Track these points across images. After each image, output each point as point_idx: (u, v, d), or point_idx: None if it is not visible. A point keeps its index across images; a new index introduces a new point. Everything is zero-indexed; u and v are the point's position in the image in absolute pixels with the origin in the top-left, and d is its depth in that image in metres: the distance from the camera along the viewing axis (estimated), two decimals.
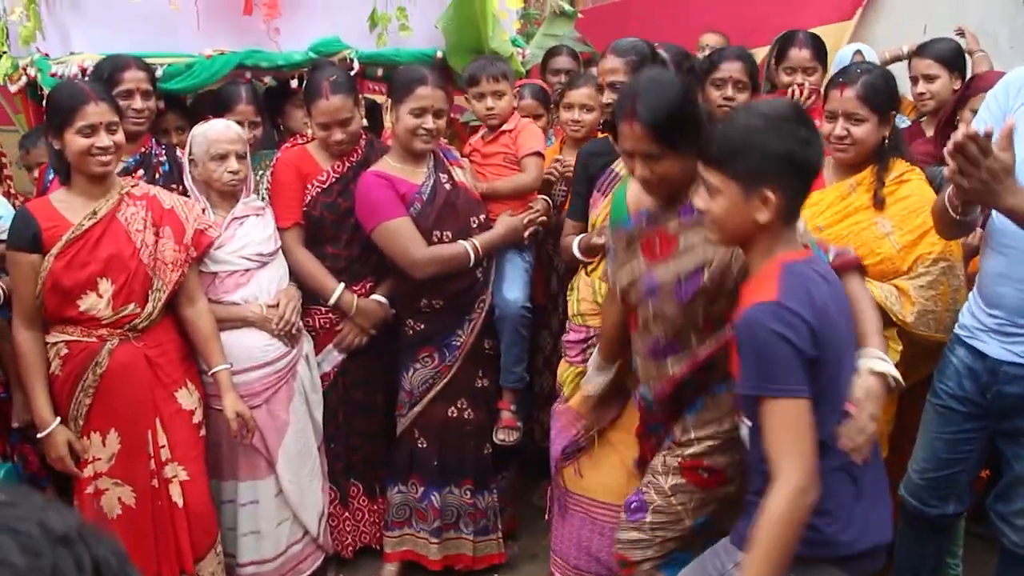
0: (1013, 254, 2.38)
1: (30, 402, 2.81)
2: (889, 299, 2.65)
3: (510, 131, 3.46)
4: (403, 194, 3.19)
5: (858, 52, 3.99)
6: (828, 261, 2.12)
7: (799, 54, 3.80)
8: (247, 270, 3.12)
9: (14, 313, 2.80)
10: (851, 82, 2.73)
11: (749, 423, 1.99)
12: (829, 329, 1.88)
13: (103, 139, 2.72)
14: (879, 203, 2.72)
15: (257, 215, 3.18)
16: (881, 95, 2.73)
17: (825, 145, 2.74)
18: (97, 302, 2.77)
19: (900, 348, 2.67)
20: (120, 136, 2.79)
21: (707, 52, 4.70)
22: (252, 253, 3.12)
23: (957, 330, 2.60)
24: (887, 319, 2.57)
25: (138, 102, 3.13)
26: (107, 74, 3.10)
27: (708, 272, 2.19)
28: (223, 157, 3.04)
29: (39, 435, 2.81)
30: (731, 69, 3.46)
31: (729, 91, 3.44)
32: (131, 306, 2.81)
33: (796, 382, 1.83)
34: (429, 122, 3.15)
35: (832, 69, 4.09)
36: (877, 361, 2.01)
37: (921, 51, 3.75)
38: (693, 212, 2.16)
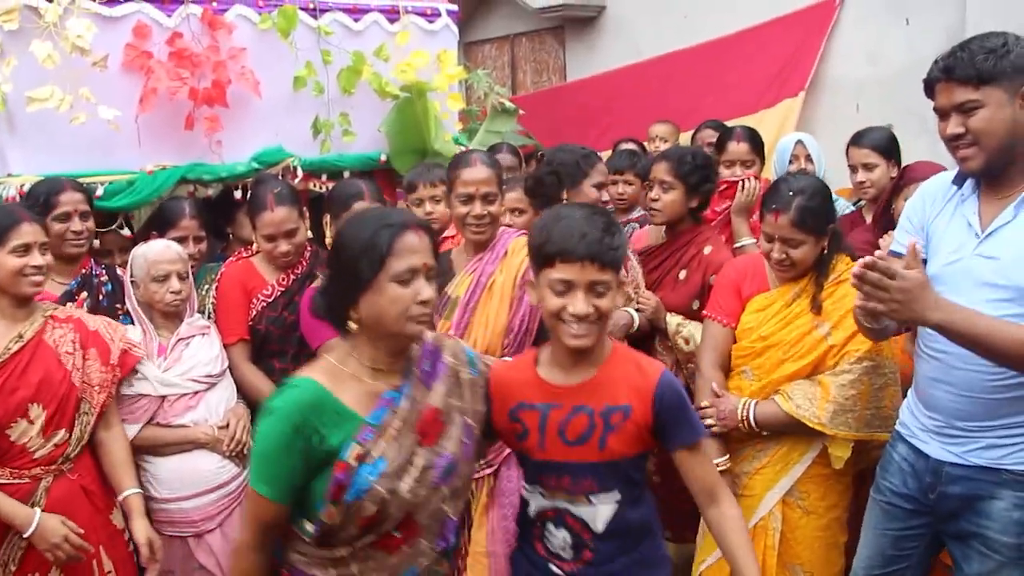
0: (945, 358, 2.34)
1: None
2: (802, 407, 2.71)
3: (451, 237, 3.46)
4: None
5: (799, 143, 4.08)
6: None
7: (737, 147, 3.91)
8: (196, 392, 3.06)
9: None
10: (784, 208, 2.72)
11: (619, 495, 2.01)
12: None
13: (37, 258, 2.69)
14: (816, 308, 2.78)
15: (202, 334, 3.13)
16: (816, 217, 2.73)
17: (767, 262, 2.88)
18: (28, 429, 2.66)
19: (850, 444, 2.73)
20: (49, 257, 2.75)
21: (657, 142, 4.82)
22: (200, 375, 3.06)
23: (898, 427, 2.58)
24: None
25: (76, 224, 3.11)
26: (43, 197, 3.08)
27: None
28: (164, 278, 3.00)
29: (25, 534, 2.64)
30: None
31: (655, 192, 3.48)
32: (61, 432, 2.72)
33: None
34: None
35: (773, 160, 4.21)
36: None
37: (858, 140, 3.85)
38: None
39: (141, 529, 2.80)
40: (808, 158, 4.05)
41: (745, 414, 2.79)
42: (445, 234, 3.47)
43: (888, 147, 3.77)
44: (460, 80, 4.28)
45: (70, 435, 2.75)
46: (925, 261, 2.36)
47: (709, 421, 2.85)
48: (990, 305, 2.18)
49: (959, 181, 2.36)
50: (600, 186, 3.31)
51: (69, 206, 3.11)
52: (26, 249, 2.67)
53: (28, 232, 2.69)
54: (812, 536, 2.81)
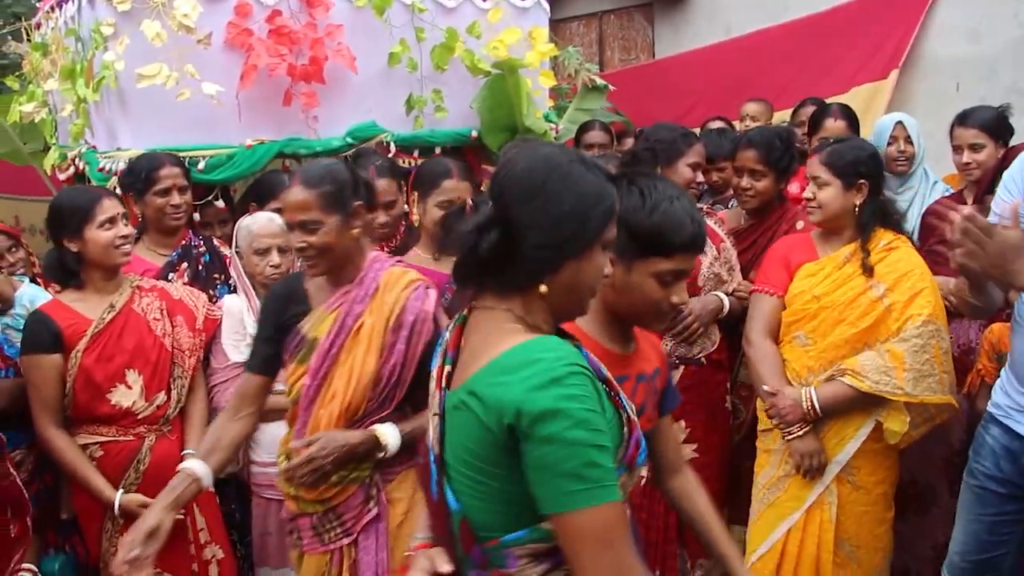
0: None
1: (87, 487, 2.82)
2: (880, 382, 2.68)
3: None
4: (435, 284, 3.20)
5: (899, 124, 3.98)
6: None
7: (835, 124, 3.86)
8: None
9: (37, 416, 2.78)
10: (817, 151, 2.92)
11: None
12: None
13: (122, 229, 2.82)
14: (868, 269, 2.80)
15: None
16: (843, 160, 2.84)
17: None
18: (127, 394, 2.80)
19: (907, 417, 2.72)
20: (131, 228, 2.88)
21: (748, 121, 4.75)
22: None
23: (991, 408, 2.53)
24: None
25: (175, 198, 3.22)
26: (144, 173, 3.20)
27: None
28: (265, 251, 3.09)
29: (115, 510, 2.77)
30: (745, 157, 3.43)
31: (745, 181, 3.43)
32: (161, 395, 2.86)
33: None
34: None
35: (871, 139, 4.12)
36: None
37: (965, 119, 3.73)
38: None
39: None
40: (908, 139, 3.94)
41: (810, 404, 2.75)
42: None
43: (997, 127, 3.63)
44: (550, 57, 4.28)
45: (168, 397, 2.88)
46: None
47: (773, 422, 2.84)
48: None
49: None
50: (695, 167, 3.27)
51: (169, 180, 3.22)
52: (112, 222, 2.79)
53: (110, 206, 2.81)
54: (861, 511, 2.82)
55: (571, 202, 1.42)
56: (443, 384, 1.49)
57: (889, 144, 3.96)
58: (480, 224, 1.43)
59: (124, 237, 2.82)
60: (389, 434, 2.38)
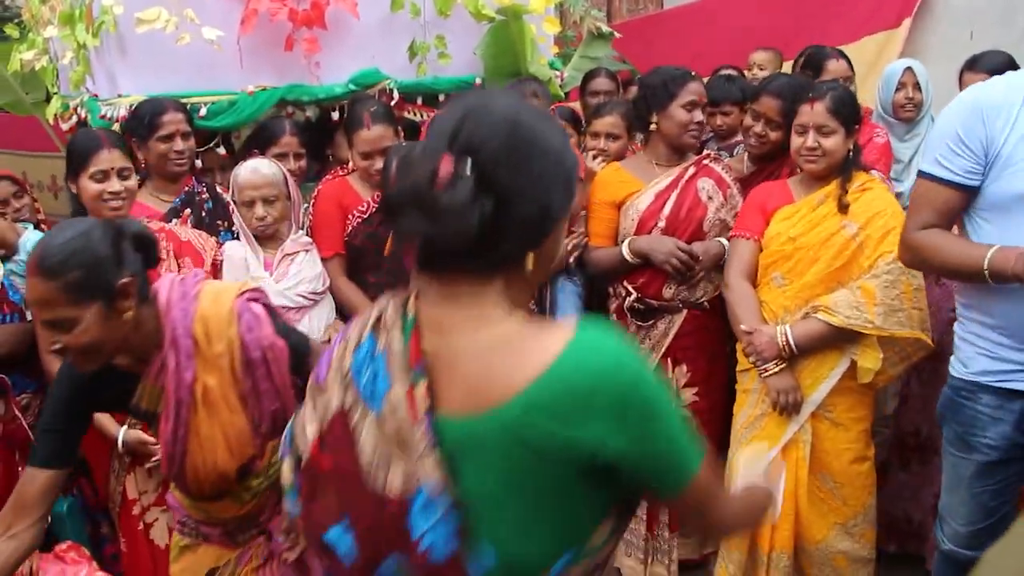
0: None
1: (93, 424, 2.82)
2: (852, 317, 2.74)
3: None
4: None
5: (908, 70, 3.92)
6: None
7: (837, 65, 3.86)
8: (300, 308, 3.16)
9: (44, 357, 2.80)
10: (820, 96, 2.87)
11: None
12: None
13: (114, 184, 2.80)
14: (843, 208, 2.86)
15: (306, 251, 3.22)
16: (848, 108, 2.87)
17: (796, 159, 2.95)
18: None
19: (880, 354, 2.78)
20: (132, 182, 2.86)
21: (755, 70, 4.70)
22: (306, 291, 3.15)
23: (977, 378, 2.44)
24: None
25: (179, 143, 3.20)
26: (147, 118, 3.18)
27: None
28: (250, 203, 3.08)
29: (119, 447, 2.82)
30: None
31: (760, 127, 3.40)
32: None
33: None
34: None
35: (879, 86, 4.06)
36: None
37: (973, 65, 3.67)
38: None
39: None
40: (916, 86, 3.89)
41: (784, 340, 2.81)
42: None
43: (1004, 72, 3.57)
44: (555, 4, 4.23)
45: None
46: (978, 188, 2.30)
47: (751, 360, 2.89)
48: None
49: None
50: (691, 106, 3.22)
51: (172, 126, 3.18)
52: (104, 175, 2.79)
53: (106, 159, 2.80)
54: (841, 448, 2.89)
55: (555, 158, 1.23)
56: (427, 410, 1.19)
57: (897, 90, 3.92)
58: (471, 195, 1.14)
59: (114, 193, 2.80)
60: None
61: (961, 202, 2.35)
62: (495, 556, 1.18)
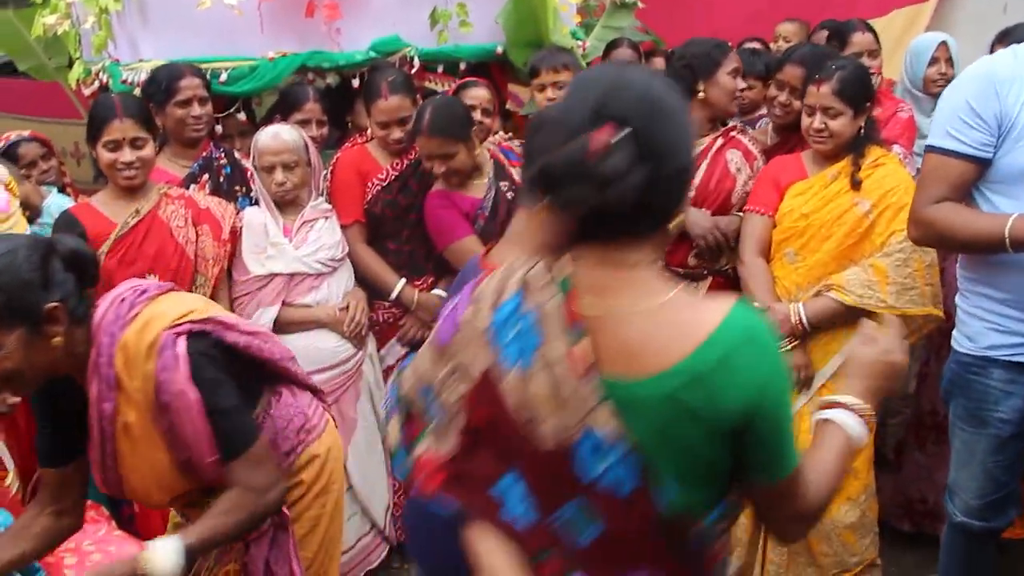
0: None
1: None
2: (864, 296, 2.75)
3: None
4: (466, 212, 3.22)
5: (943, 44, 3.85)
6: None
7: (863, 38, 3.80)
8: (320, 274, 3.17)
9: None
10: (827, 78, 2.85)
11: None
12: None
13: (126, 154, 2.80)
14: (856, 184, 2.85)
15: (325, 218, 3.23)
16: (855, 89, 2.85)
17: (806, 138, 2.95)
18: None
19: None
20: (147, 151, 2.85)
21: (780, 43, 4.64)
22: (325, 258, 3.17)
23: (988, 352, 2.43)
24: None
25: (196, 109, 3.19)
26: (164, 83, 3.17)
27: None
28: (270, 168, 3.09)
29: None
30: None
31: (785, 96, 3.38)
32: None
33: None
34: (437, 167, 3.16)
35: (907, 60, 4.00)
36: None
37: (1005, 38, 3.60)
38: None
39: None
40: (949, 61, 3.85)
41: (798, 319, 2.83)
42: None
43: None
44: None
45: None
46: (990, 161, 2.30)
47: None
48: None
49: None
50: (735, 72, 3.23)
51: (189, 91, 3.18)
52: (117, 145, 2.79)
53: (118, 128, 2.79)
54: None
55: (687, 122, 1.31)
56: (591, 367, 1.26)
57: (930, 64, 3.86)
58: (630, 161, 1.20)
59: (126, 163, 2.81)
60: (159, 559, 1.82)
61: (975, 175, 2.34)
62: (675, 491, 1.28)
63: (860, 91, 2.87)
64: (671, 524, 1.30)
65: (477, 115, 3.22)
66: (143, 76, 3.35)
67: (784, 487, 1.34)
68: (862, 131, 2.90)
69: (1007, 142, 2.27)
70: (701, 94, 3.23)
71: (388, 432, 1.44)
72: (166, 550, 1.82)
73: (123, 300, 1.92)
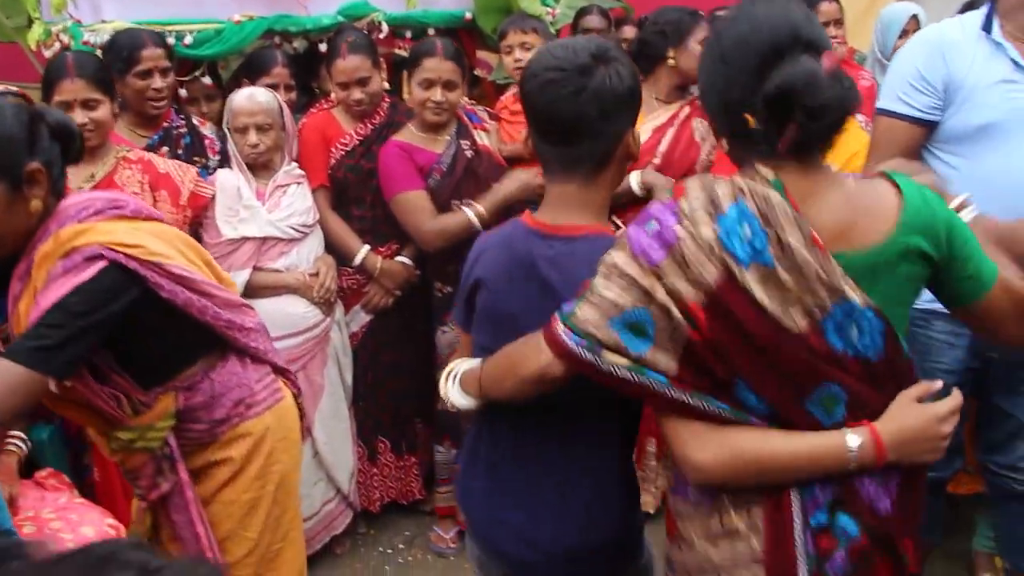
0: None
1: None
2: None
3: None
4: (421, 165, 3.21)
5: (914, 17, 3.87)
6: None
7: (830, 7, 3.83)
8: (291, 239, 3.16)
9: None
10: None
11: None
12: (487, 300, 1.78)
13: (77, 116, 2.69)
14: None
15: (298, 183, 3.22)
16: None
17: None
18: None
19: None
20: (100, 113, 2.76)
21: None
22: (298, 223, 3.16)
23: (930, 305, 2.45)
24: None
25: (157, 81, 3.07)
26: (125, 52, 3.07)
27: None
28: (243, 130, 3.06)
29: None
30: None
31: None
32: None
33: (459, 311, 1.90)
34: (437, 94, 3.15)
35: (877, 30, 4.02)
36: None
37: (969, 8, 3.63)
38: None
39: None
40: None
41: None
42: None
43: None
44: None
45: None
46: (936, 122, 2.43)
47: None
48: None
49: (987, 25, 2.40)
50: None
51: (150, 62, 3.05)
52: (67, 107, 2.70)
53: (68, 89, 2.72)
54: None
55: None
56: (825, 247, 1.44)
57: (901, 36, 3.89)
58: (841, 85, 1.43)
59: (79, 125, 2.62)
60: None
61: (923, 137, 2.47)
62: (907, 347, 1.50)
63: None
64: (907, 378, 1.51)
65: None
66: (105, 38, 3.29)
67: (1002, 287, 1.54)
68: None
69: (953, 105, 2.39)
70: (671, 61, 3.26)
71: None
72: None
73: (92, 202, 1.91)
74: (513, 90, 3.59)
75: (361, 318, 3.44)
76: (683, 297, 1.42)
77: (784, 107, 1.41)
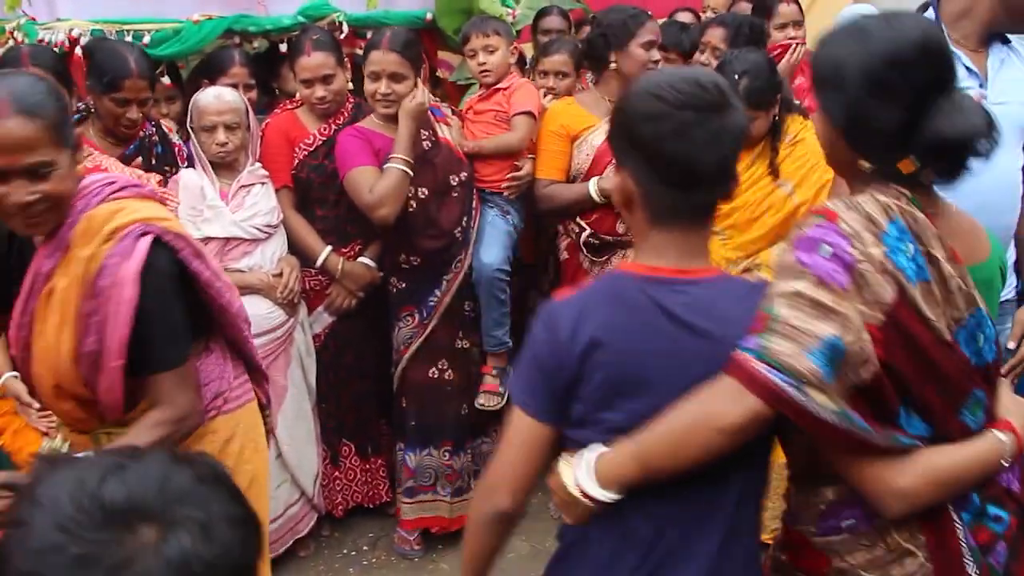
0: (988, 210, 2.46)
1: None
2: None
3: (504, 89, 3.45)
4: (378, 149, 3.20)
5: None
6: None
7: (788, 9, 3.87)
8: (254, 240, 3.15)
9: None
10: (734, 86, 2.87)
11: None
12: (610, 362, 1.47)
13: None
14: (774, 172, 2.96)
15: (262, 183, 3.20)
16: (763, 94, 2.90)
17: None
18: None
19: None
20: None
21: (709, 13, 4.69)
22: (261, 224, 3.15)
23: None
24: None
25: (134, 112, 2.98)
26: (108, 76, 2.94)
27: None
28: (211, 129, 3.04)
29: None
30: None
31: (706, 56, 3.45)
32: None
33: (531, 396, 1.53)
34: (383, 86, 3.15)
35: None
36: None
37: (924, 10, 3.71)
38: None
39: None
40: None
41: None
42: (499, 85, 3.46)
43: None
44: None
45: None
46: None
47: None
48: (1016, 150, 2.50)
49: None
50: (649, 45, 3.24)
51: (131, 93, 2.93)
52: None
53: None
54: None
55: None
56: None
57: None
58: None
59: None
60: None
61: None
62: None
63: (764, 96, 2.91)
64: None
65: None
66: (61, 37, 3.24)
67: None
68: (776, 118, 2.97)
69: None
70: (613, 64, 3.27)
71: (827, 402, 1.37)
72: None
73: (113, 182, 1.93)
74: (479, 91, 3.59)
75: (324, 319, 3.43)
76: (867, 320, 1.39)
77: (943, 149, 1.44)
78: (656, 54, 3.27)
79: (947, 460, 1.46)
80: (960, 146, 1.43)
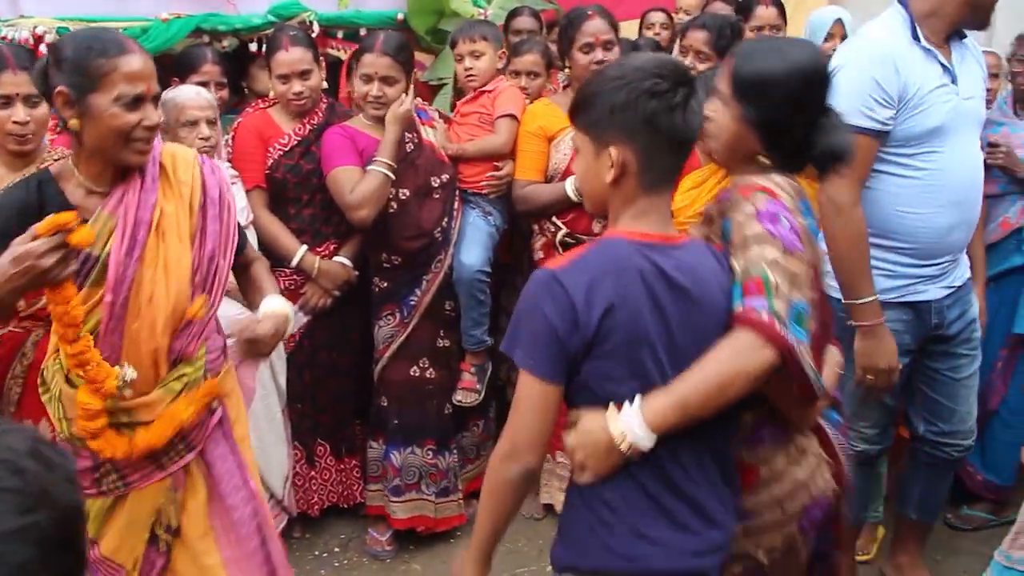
0: (964, 203, 2.65)
1: None
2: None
3: (489, 92, 3.48)
4: (363, 149, 3.21)
5: (838, 22, 3.96)
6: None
7: (767, 12, 3.88)
8: None
9: None
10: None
11: None
12: (624, 323, 1.62)
13: (19, 112, 2.48)
14: None
15: (233, 182, 3.16)
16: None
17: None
18: None
19: None
20: (42, 110, 2.52)
21: (681, 15, 4.71)
22: None
23: (879, 296, 2.62)
24: None
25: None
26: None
27: None
28: (194, 123, 3.01)
29: None
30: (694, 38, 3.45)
31: (690, 59, 3.43)
32: None
33: (541, 360, 1.64)
34: (374, 89, 3.17)
35: (806, 33, 4.10)
36: None
37: None
38: None
39: None
40: (844, 38, 3.95)
41: None
42: (484, 88, 3.49)
43: None
44: None
45: None
46: (888, 133, 2.59)
47: None
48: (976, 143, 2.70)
49: (915, 34, 2.57)
50: (589, 48, 3.27)
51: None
52: (7, 101, 2.50)
53: (10, 82, 2.48)
54: None
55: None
56: None
57: (826, 41, 3.97)
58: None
59: (19, 123, 2.49)
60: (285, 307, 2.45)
61: (877, 148, 2.60)
62: None
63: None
64: None
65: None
66: (25, 34, 3.19)
67: None
68: None
69: (905, 111, 2.54)
70: (567, 70, 3.34)
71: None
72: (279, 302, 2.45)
73: None
74: (468, 95, 3.57)
75: (299, 319, 3.40)
76: (809, 277, 1.74)
77: (831, 157, 1.87)
78: (599, 54, 3.25)
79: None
80: (840, 156, 1.85)
